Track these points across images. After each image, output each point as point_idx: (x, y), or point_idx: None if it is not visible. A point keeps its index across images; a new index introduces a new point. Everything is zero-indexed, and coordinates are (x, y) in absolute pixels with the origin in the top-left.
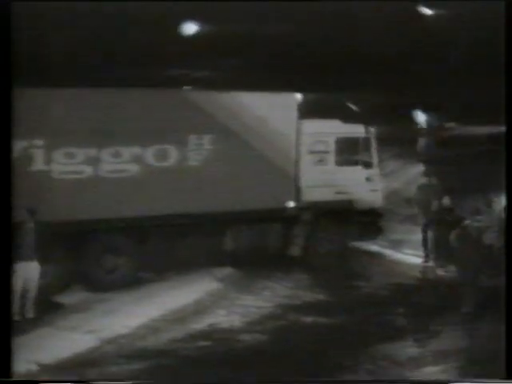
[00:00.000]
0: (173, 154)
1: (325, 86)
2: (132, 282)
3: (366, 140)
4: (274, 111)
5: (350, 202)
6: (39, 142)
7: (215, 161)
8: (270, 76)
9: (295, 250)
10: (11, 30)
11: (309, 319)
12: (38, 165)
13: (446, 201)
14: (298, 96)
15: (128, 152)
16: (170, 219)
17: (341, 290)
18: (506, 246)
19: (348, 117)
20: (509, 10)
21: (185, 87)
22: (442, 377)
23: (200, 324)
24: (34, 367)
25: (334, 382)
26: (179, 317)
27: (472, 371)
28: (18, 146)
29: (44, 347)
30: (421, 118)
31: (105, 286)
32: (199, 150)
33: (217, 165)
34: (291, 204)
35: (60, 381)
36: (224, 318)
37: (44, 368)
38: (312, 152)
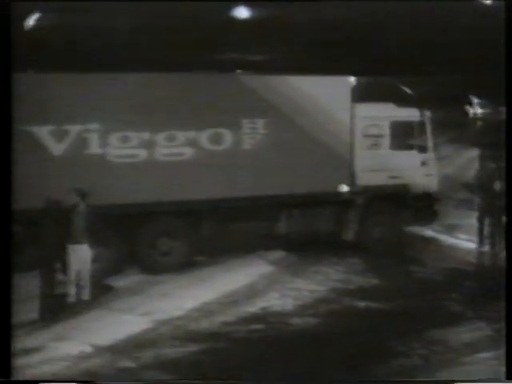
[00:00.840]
0: (227, 137)
1: (379, 69)
2: (186, 265)
3: (421, 124)
4: (327, 94)
5: (404, 187)
6: (94, 126)
7: (269, 145)
8: (323, 59)
9: (349, 235)
10: (11, 30)
11: (362, 304)
12: (93, 148)
13: (500, 185)
14: (352, 79)
15: (183, 136)
16: (224, 203)
17: (395, 275)
18: (506, 246)
19: (402, 100)
20: (509, 9)
21: (238, 71)
22: (495, 363)
23: (252, 307)
24: (88, 349)
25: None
26: (232, 300)
27: None
28: (73, 130)
29: (98, 329)
30: (476, 101)
31: (159, 269)
32: (253, 133)
33: (270, 149)
34: (345, 188)
35: (60, 381)
36: (276, 301)
37: (98, 349)
38: (366, 136)
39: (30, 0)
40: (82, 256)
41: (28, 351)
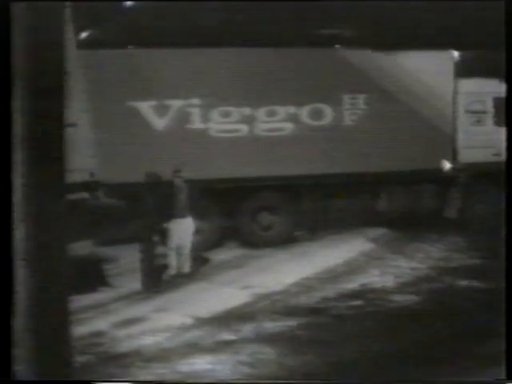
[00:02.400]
0: (328, 113)
1: (483, 43)
2: (286, 240)
3: None
4: (429, 69)
5: None
6: (196, 101)
7: (370, 120)
8: (425, 33)
9: (451, 212)
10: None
11: (464, 282)
12: (195, 123)
13: None
14: (455, 54)
15: (283, 111)
16: (325, 179)
17: (497, 254)
18: (506, 246)
19: None
20: (509, 9)
21: (338, 46)
22: None
23: (352, 283)
24: (189, 321)
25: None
26: (332, 276)
27: None
28: (176, 105)
29: (199, 301)
30: None
31: (260, 243)
32: (354, 109)
33: (371, 124)
34: (447, 165)
35: (60, 381)
36: (377, 278)
37: (198, 321)
38: (469, 112)
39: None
40: (184, 229)
41: (130, 322)
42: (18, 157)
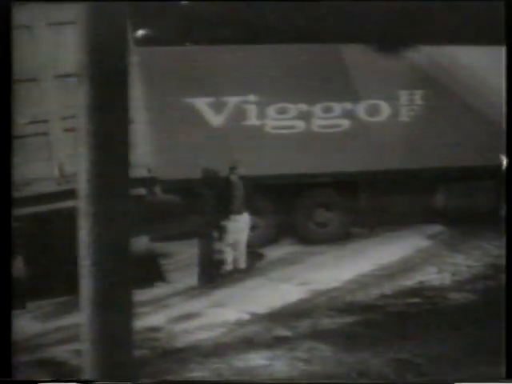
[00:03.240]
0: (384, 109)
1: None
2: (342, 236)
3: None
4: (483, 64)
5: None
6: (252, 98)
7: (426, 116)
8: (478, 29)
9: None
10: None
11: None
12: (252, 119)
13: None
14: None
15: (339, 107)
16: (381, 175)
17: None
18: (506, 247)
19: None
20: (509, 9)
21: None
22: None
23: (409, 281)
24: (245, 316)
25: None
26: (388, 273)
27: None
28: (232, 101)
29: (255, 297)
30: None
31: (316, 240)
32: (410, 105)
33: (428, 120)
34: (505, 161)
35: (60, 381)
36: (434, 275)
37: (255, 317)
38: None
39: (31, 0)
40: (240, 225)
41: (186, 317)
42: (84, 153)
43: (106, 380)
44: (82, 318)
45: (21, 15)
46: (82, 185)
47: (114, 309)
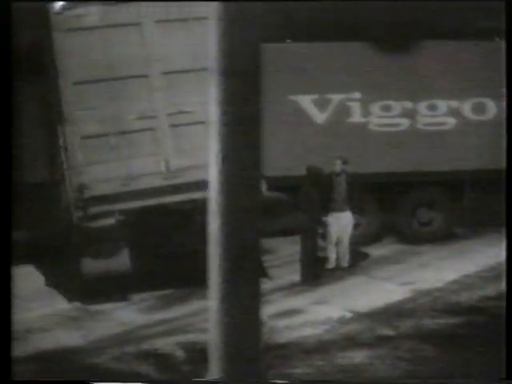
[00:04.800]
0: (491, 107)
1: None
2: (445, 236)
3: None
4: None
5: None
6: (357, 95)
7: None
8: None
9: None
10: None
11: None
12: (356, 117)
13: None
14: None
15: (444, 105)
16: (486, 174)
17: None
18: (506, 246)
19: None
20: (509, 9)
21: (497, 39)
22: None
23: None
24: (348, 314)
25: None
26: (493, 274)
27: None
28: (336, 98)
29: (358, 295)
30: None
31: (419, 239)
32: None
33: None
34: None
35: (60, 381)
36: None
37: (357, 315)
38: None
39: (31, 0)
40: (343, 223)
41: (288, 313)
42: (214, 146)
43: (233, 376)
44: (208, 312)
45: (129, 13)
46: (213, 177)
47: (242, 302)
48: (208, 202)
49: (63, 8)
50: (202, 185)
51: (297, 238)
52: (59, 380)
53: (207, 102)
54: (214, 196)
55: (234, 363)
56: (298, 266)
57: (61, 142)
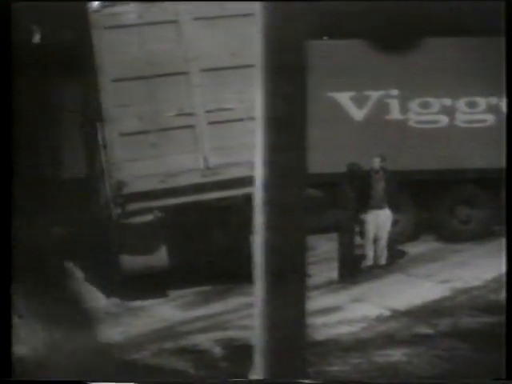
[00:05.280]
0: None
1: None
2: (485, 234)
3: None
4: None
5: None
6: (395, 92)
7: None
8: None
9: None
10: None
11: None
12: (394, 114)
13: None
14: None
15: (484, 102)
16: None
17: None
18: (506, 246)
19: None
20: (509, 9)
21: None
22: None
23: None
24: (386, 312)
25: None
26: None
27: None
28: (375, 95)
29: (396, 293)
30: None
31: (458, 237)
32: None
33: None
34: None
35: (59, 381)
36: None
37: (395, 313)
38: None
39: (31, 0)
40: (381, 221)
41: (326, 311)
42: (258, 142)
43: (277, 375)
44: (254, 309)
45: (166, 11)
46: (258, 174)
47: (288, 300)
48: (252, 199)
49: (101, 6)
50: (241, 182)
51: (334, 236)
52: (59, 380)
53: (246, 100)
54: (258, 193)
55: (279, 361)
56: (335, 264)
57: (100, 139)
